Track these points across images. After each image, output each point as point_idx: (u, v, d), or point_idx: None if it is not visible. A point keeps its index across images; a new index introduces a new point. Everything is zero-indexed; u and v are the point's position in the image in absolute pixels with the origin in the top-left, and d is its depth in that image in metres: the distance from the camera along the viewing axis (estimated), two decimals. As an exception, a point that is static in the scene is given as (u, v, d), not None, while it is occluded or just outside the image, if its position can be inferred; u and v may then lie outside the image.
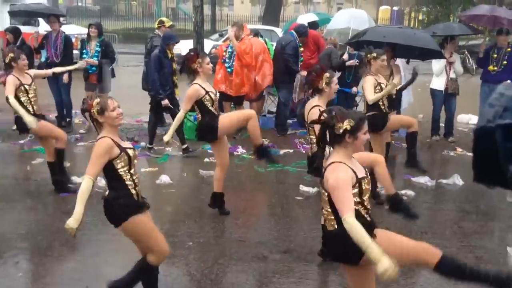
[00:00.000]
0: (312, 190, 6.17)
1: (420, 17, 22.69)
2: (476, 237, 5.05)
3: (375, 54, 5.36)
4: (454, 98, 8.29)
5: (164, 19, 8.25)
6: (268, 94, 9.57)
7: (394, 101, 5.92)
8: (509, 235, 5.08)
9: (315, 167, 3.94)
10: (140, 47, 21.69)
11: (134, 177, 3.38)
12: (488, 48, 8.13)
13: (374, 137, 5.26)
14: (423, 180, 6.53)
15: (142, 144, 7.73)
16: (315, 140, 4.05)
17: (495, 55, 7.94)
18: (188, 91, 5.01)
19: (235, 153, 7.54)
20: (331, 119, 2.78)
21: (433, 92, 8.33)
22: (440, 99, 8.24)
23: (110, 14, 35.57)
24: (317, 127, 3.58)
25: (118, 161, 3.28)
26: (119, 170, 3.30)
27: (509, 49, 7.87)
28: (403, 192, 6.16)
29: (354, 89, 8.31)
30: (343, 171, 2.76)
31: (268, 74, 8.21)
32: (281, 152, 7.68)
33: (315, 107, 4.18)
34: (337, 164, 2.79)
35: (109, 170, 3.31)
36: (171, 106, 7.21)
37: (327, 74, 4.21)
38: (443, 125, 8.58)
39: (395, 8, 41.94)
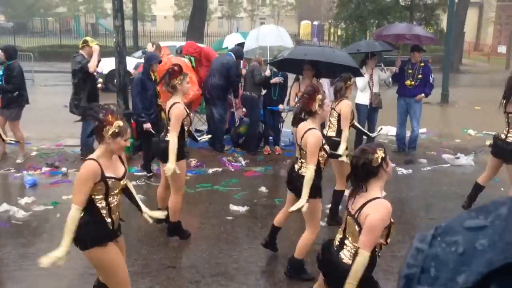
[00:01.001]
0: (242, 209, 6.16)
1: (339, 33, 23.63)
2: (399, 246, 5.26)
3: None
4: (377, 112, 8.67)
5: (88, 38, 7.96)
6: (195, 113, 9.50)
7: None
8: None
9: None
10: (59, 65, 20.92)
11: (111, 205, 3.23)
12: (403, 64, 8.59)
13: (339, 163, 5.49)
14: (347, 193, 6.72)
15: (64, 169, 7.37)
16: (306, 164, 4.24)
17: (410, 71, 8.41)
18: (174, 112, 4.76)
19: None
20: (367, 156, 2.91)
21: (358, 106, 8.64)
22: (365, 113, 8.57)
23: (24, 31, 33.88)
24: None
25: (95, 187, 3.14)
26: (93, 196, 3.15)
27: (422, 64, 8.38)
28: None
29: (281, 107, 8.45)
30: (386, 215, 2.88)
31: (194, 91, 8.14)
32: (210, 171, 7.64)
33: (311, 129, 4.12)
34: (382, 202, 2.92)
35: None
36: (152, 131, 6.88)
37: (319, 96, 4.10)
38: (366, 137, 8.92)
39: (316, 22, 43.47)
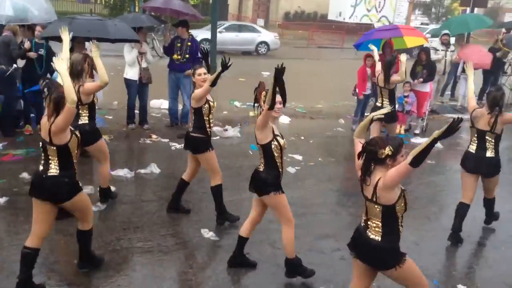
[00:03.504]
0: (0, 200, 5.44)
1: (107, -2, 22.52)
2: (175, 224, 5.36)
3: (192, 70, 5.36)
4: (147, 87, 8.56)
5: None
6: None
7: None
8: (201, 217, 5.56)
9: (259, 185, 4.21)
10: None
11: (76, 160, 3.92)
12: (174, 38, 8.61)
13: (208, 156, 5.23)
14: (123, 172, 6.55)
15: None
16: (263, 161, 4.18)
17: (179, 44, 8.48)
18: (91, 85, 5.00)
19: None
20: (374, 147, 3.22)
21: (128, 82, 8.41)
22: (135, 88, 8.41)
23: None
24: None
25: (72, 143, 3.79)
26: (72, 152, 3.80)
27: (189, 43, 8.48)
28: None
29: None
30: None
31: None
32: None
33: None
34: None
35: (64, 151, 3.78)
36: None
37: (264, 93, 4.15)
38: (138, 112, 8.76)
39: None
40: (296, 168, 7.28)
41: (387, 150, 3.20)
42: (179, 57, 8.44)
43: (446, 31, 10.91)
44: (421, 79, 9.51)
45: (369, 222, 3.35)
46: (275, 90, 3.87)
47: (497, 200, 5.67)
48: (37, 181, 3.83)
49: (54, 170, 3.77)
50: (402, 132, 9.70)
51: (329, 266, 4.74)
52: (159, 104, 10.18)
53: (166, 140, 8.17)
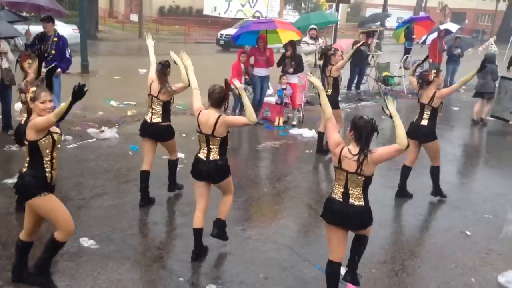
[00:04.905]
0: None
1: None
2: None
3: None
4: (10, 89, 7.83)
5: None
6: None
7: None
8: (80, 225, 5.24)
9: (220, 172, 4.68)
10: None
11: (54, 161, 3.86)
12: (37, 35, 7.95)
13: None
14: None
15: None
16: (217, 150, 4.63)
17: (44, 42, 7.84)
18: None
19: None
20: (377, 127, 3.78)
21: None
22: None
23: None
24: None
25: (43, 142, 3.74)
26: (42, 151, 3.76)
27: (56, 39, 7.89)
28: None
29: None
30: None
31: None
32: None
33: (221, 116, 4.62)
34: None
35: (33, 149, 3.76)
36: None
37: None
38: (1, 116, 8.01)
39: None
40: (179, 166, 7.14)
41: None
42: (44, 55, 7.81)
43: (313, 26, 11.51)
44: (291, 70, 9.95)
45: (350, 192, 3.84)
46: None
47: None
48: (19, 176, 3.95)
49: (25, 167, 3.87)
50: (281, 124, 10.01)
51: (215, 262, 4.73)
52: (18, 107, 9.37)
53: (36, 146, 7.55)
